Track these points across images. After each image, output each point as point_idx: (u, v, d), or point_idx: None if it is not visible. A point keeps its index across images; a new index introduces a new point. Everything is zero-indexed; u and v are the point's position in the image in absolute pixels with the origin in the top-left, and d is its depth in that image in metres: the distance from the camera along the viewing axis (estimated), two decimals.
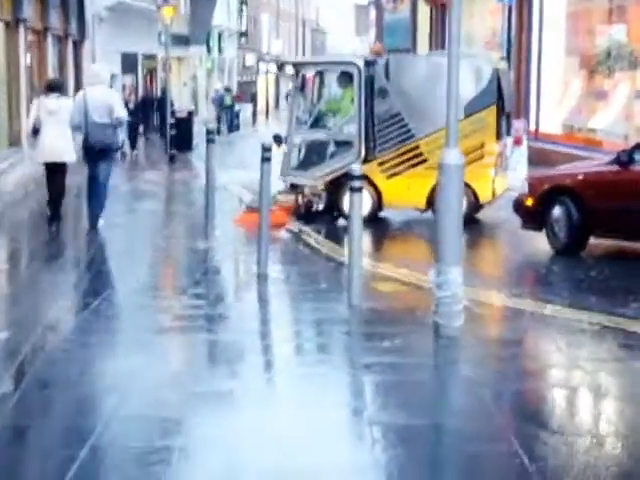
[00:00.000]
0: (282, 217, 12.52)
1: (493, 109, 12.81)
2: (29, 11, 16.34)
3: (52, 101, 12.28)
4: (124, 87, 29.49)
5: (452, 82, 7.26)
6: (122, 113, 12.06)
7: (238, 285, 10.07)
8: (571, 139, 19.58)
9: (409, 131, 12.86)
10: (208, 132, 11.58)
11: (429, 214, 12.78)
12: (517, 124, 17.34)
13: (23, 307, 8.43)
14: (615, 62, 18.22)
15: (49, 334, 7.55)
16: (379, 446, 5.23)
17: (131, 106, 20.33)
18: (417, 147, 12.83)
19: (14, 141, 15.98)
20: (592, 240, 10.69)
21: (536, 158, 17.04)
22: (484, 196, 12.82)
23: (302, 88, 13.84)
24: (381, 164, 12.93)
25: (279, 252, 10.97)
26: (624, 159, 10.22)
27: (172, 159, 23.23)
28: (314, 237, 12.02)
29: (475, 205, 12.79)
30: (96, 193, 12.19)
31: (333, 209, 13.28)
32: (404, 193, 12.69)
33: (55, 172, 12.56)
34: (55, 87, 12.72)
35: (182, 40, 38.03)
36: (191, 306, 8.53)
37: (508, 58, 20.46)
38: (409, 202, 12.93)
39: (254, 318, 8.51)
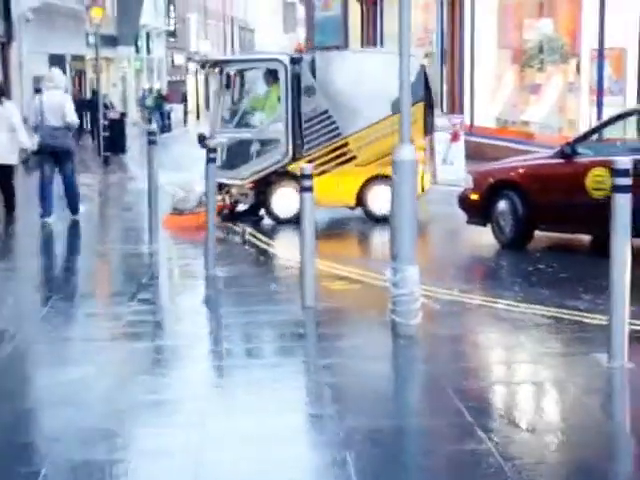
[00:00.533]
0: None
1: (421, 105, 12.74)
2: None
3: None
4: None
5: (404, 79, 7.22)
6: (74, 117, 12.88)
7: (186, 288, 9.90)
8: (505, 133, 19.78)
9: (337, 128, 12.75)
10: (149, 133, 11.37)
11: (359, 211, 12.97)
12: (454, 119, 17.43)
13: None
14: (547, 55, 18.42)
15: None
16: (341, 450, 5.11)
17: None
18: (346, 144, 12.75)
19: None
20: (537, 233, 10.76)
21: (472, 152, 17.12)
22: None
23: (227, 86, 13.54)
24: (310, 162, 12.79)
25: (226, 253, 10.83)
26: (568, 152, 10.28)
27: (106, 161, 22.87)
28: (258, 237, 11.95)
29: None
30: (67, 190, 13.13)
31: (258, 209, 13.20)
32: (334, 191, 12.55)
33: (2, 174, 13.01)
34: None
35: (110, 41, 37.58)
36: (139, 312, 8.36)
37: (441, 54, 20.54)
38: (339, 200, 12.81)
39: (205, 321, 8.38)
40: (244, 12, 79.47)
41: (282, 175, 12.74)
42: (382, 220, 12.49)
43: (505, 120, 20.32)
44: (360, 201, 12.81)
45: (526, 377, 6.64)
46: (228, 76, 13.42)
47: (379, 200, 12.65)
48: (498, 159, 12.67)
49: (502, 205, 10.67)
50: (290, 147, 12.73)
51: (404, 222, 7.28)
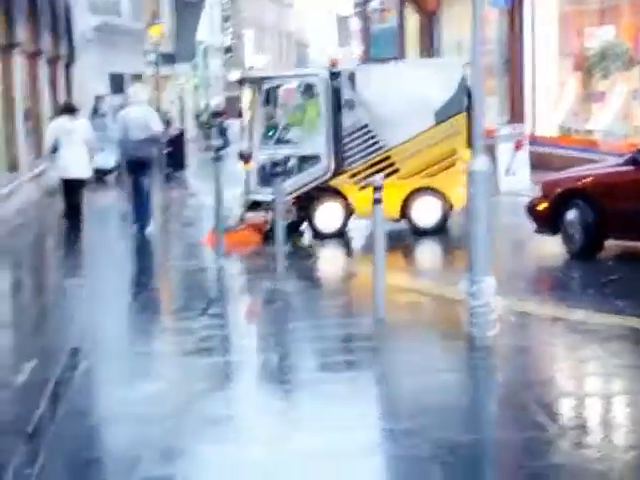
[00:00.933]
0: (252, 236, 12.38)
1: (464, 115, 12.50)
2: (23, 34, 16.13)
3: (67, 122, 13.45)
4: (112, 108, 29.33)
5: (478, 92, 7.12)
6: (159, 127, 13.78)
7: (254, 302, 9.91)
8: (569, 141, 19.51)
9: (378, 142, 12.64)
10: (216, 150, 11.49)
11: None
12: (517, 129, 17.28)
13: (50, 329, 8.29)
14: (610, 62, 18.18)
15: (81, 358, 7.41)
16: (420, 465, 5.06)
17: None
18: (388, 157, 12.59)
19: (12, 166, 15.74)
20: (608, 242, 10.59)
21: (534, 162, 16.93)
22: (457, 203, 12.54)
23: (267, 102, 13.38)
24: (353, 176, 12.71)
25: (293, 266, 10.82)
26: (639, 159, 10.12)
27: (167, 178, 23.03)
28: (322, 249, 11.96)
29: (447, 212, 12.75)
30: (141, 202, 13.58)
31: (299, 225, 13.08)
32: None
33: (72, 187, 13.57)
34: (70, 109, 13.92)
35: (168, 58, 37.87)
36: (209, 326, 8.39)
37: (502, 63, 20.39)
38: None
39: (274, 336, 8.33)
40: (299, 27, 79.75)
41: (324, 190, 12.61)
42: (426, 233, 12.58)
43: (568, 128, 20.06)
44: (404, 214, 12.71)
45: (605, 389, 6.50)
46: (268, 92, 13.25)
47: (423, 212, 12.63)
48: (562, 168, 12.51)
49: (571, 214, 10.51)
50: (331, 162, 12.61)
51: (480, 233, 7.20)
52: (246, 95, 14.40)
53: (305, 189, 12.60)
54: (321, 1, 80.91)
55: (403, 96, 12.36)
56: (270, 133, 13.25)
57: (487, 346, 7.17)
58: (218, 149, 11.70)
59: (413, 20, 28.45)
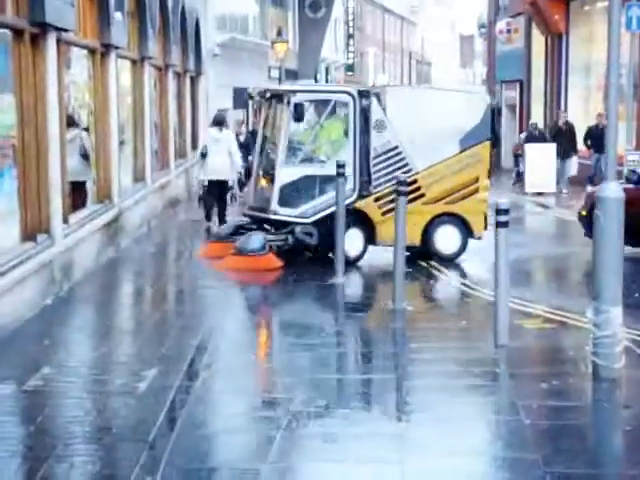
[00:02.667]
0: (276, 260, 12.08)
1: (487, 144, 12.57)
2: (154, 49, 16.51)
3: (216, 132, 15.20)
4: (237, 121, 29.79)
5: (612, 116, 6.96)
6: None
7: (374, 320, 9.90)
8: None
9: (407, 164, 12.23)
10: (339, 166, 11.43)
11: None
12: None
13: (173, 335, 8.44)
14: None
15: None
16: None
17: (242, 138, 20.34)
18: (415, 181, 12.11)
19: (138, 177, 16.12)
20: None
21: None
22: (478, 230, 12.48)
23: (298, 119, 12.28)
24: (377, 200, 12.24)
25: (413, 287, 10.77)
26: None
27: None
28: (442, 271, 11.87)
29: (467, 239, 12.56)
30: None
31: (322, 247, 12.25)
32: None
33: (217, 187, 15.32)
34: (219, 120, 15.51)
35: (291, 74, 38.31)
36: (329, 344, 8.41)
37: (632, 88, 19.89)
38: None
39: (393, 356, 8.27)
40: (421, 46, 79.77)
41: (348, 213, 11.61)
42: (447, 260, 12.39)
43: None
44: (425, 240, 12.36)
45: None
46: (296, 107, 12.17)
47: (446, 239, 12.45)
48: None
49: None
50: (357, 184, 12.17)
51: (609, 260, 7.04)
52: (263, 110, 13.76)
53: (329, 212, 11.86)
54: (445, 21, 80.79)
55: (431, 121, 12.07)
56: (295, 151, 12.61)
57: (612, 378, 7.01)
58: (340, 166, 11.61)
59: (539, 41, 28.06)
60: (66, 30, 10.78)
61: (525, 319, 9.21)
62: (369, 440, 5.90)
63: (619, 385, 7.01)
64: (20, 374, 7.29)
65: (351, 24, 52.96)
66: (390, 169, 12.18)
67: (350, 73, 53.57)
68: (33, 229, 9.99)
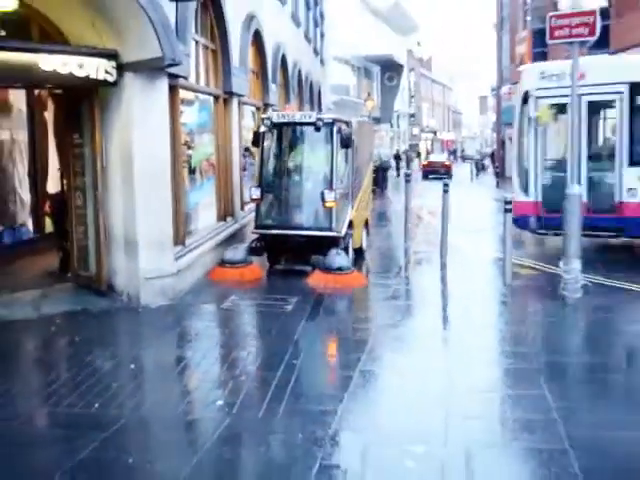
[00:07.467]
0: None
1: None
2: (274, 98, 14.42)
3: None
4: None
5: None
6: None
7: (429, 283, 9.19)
8: None
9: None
10: (406, 175, 11.40)
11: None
12: None
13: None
14: None
15: None
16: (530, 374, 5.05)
17: None
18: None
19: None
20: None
21: None
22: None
23: (346, 146, 8.93)
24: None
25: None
26: None
27: (374, 192, 23.23)
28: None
29: None
30: None
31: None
32: None
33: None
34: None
35: (376, 120, 38.42)
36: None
37: None
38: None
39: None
40: (455, 102, 78.95)
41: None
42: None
43: None
44: None
45: None
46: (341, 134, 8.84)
47: None
48: None
49: None
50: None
51: (572, 230, 7.15)
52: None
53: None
54: (470, 87, 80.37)
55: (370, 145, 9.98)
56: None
57: (574, 304, 7.06)
58: (408, 175, 11.62)
59: None
60: (242, 95, 11.22)
61: (520, 268, 9.13)
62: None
63: (577, 307, 7.04)
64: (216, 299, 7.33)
65: (413, 89, 52.78)
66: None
67: (412, 119, 53.42)
68: (225, 213, 10.61)
